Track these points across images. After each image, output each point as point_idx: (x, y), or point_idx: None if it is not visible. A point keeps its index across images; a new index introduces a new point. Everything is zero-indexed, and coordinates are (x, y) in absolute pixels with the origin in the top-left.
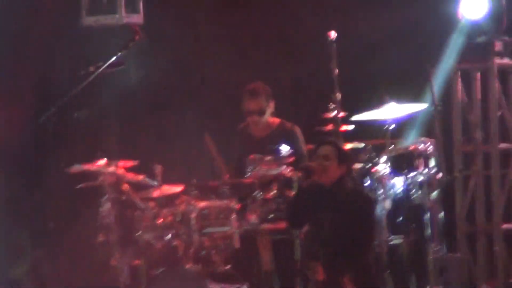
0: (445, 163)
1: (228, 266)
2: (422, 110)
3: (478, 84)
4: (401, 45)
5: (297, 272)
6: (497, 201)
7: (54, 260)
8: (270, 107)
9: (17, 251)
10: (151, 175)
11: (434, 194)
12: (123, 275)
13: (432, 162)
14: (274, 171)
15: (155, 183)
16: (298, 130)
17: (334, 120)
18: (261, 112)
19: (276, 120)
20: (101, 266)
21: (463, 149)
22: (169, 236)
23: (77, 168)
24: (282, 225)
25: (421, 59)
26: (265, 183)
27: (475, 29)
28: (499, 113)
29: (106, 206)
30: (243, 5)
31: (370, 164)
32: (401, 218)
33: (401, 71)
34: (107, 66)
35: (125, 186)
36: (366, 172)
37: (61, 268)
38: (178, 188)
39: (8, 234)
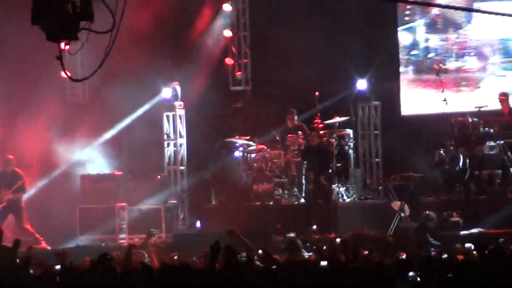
0: None
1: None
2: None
3: None
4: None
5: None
6: None
7: None
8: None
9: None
10: (254, 142)
11: None
12: (243, 175)
13: None
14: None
15: (254, 143)
16: (305, 126)
17: (317, 123)
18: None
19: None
20: (237, 170)
21: None
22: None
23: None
24: (299, 159)
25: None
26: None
27: None
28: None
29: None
30: None
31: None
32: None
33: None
34: None
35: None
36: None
37: None
38: (262, 146)
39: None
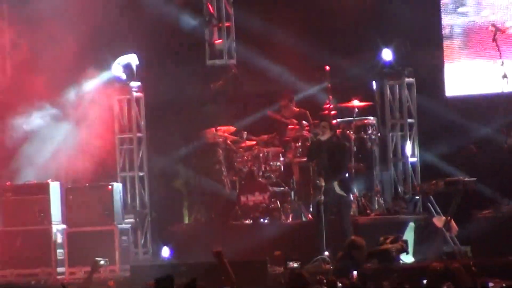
0: None
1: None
2: None
3: None
4: None
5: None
6: None
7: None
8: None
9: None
10: (241, 136)
11: None
12: (227, 182)
13: None
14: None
15: (244, 139)
16: (308, 113)
17: (328, 109)
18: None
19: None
20: (219, 177)
21: None
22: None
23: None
24: (304, 159)
25: None
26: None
27: None
28: None
29: (219, 151)
30: None
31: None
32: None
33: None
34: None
35: (228, 142)
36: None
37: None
38: (253, 142)
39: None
